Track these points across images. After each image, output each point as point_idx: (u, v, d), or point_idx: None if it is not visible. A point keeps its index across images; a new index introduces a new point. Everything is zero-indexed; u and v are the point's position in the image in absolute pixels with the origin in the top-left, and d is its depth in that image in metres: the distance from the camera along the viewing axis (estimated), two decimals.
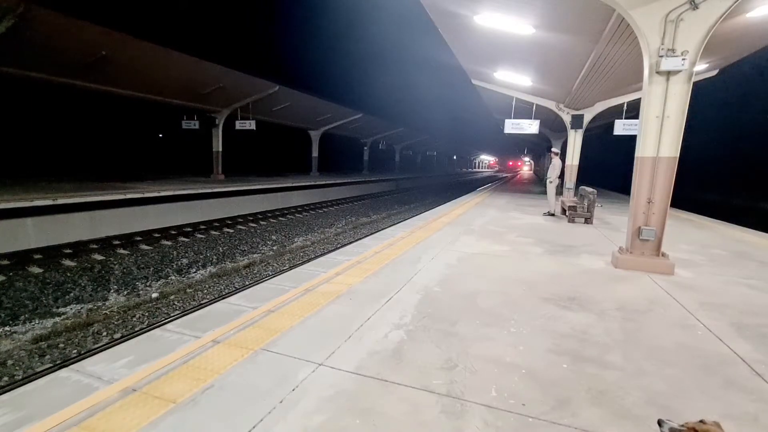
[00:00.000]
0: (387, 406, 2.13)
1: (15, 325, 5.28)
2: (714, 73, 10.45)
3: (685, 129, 4.73)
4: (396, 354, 2.71)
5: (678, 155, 4.79)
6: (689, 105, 4.70)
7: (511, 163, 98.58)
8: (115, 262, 8.10)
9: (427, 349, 2.79)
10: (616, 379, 2.47)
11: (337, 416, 2.04)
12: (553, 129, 20.10)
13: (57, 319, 5.55)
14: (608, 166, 28.66)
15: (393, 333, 3.04)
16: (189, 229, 11.23)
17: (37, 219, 8.61)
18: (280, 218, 14.63)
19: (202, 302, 6.25)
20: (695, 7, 4.35)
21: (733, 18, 5.93)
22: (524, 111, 14.21)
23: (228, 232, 11.69)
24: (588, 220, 9.10)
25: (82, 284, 6.84)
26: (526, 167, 64.29)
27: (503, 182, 31.20)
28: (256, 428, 1.94)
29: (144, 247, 9.41)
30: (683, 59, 4.46)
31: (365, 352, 2.73)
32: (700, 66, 9.35)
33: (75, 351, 4.67)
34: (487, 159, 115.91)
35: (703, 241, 7.46)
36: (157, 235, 10.30)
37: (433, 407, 2.14)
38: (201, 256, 9.00)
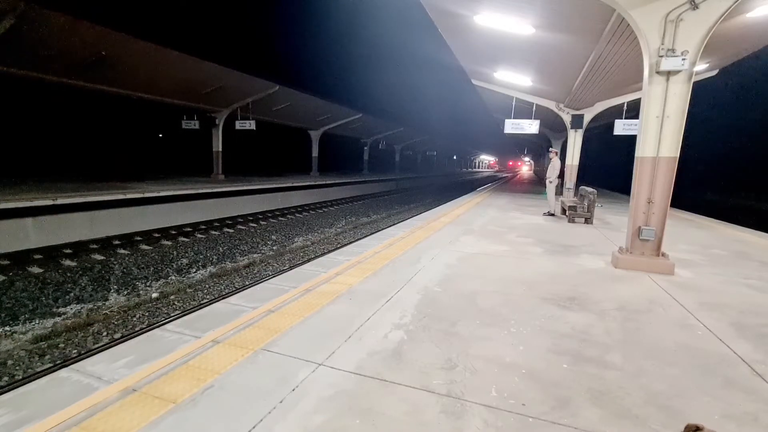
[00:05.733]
0: (387, 406, 2.13)
1: (15, 325, 5.28)
2: (714, 73, 10.45)
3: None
4: (396, 354, 2.71)
5: (678, 155, 4.79)
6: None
7: (511, 163, 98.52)
8: (115, 262, 8.09)
9: (427, 349, 2.79)
10: (616, 379, 2.47)
11: (338, 416, 2.04)
12: (553, 129, 20.11)
13: (57, 319, 5.56)
14: (608, 166, 28.70)
15: (393, 333, 3.04)
16: (189, 229, 11.23)
17: (38, 219, 8.61)
18: (281, 218, 14.64)
19: (202, 302, 6.25)
20: (695, 7, 4.35)
21: (733, 18, 5.93)
22: (524, 111, 14.21)
23: (228, 232, 11.69)
24: (588, 220, 9.10)
25: (83, 284, 6.84)
26: (525, 167, 64.24)
27: (503, 182, 31.20)
28: (257, 428, 1.94)
29: (144, 247, 9.41)
30: (683, 59, 4.46)
31: (365, 352, 2.73)
32: (700, 66, 9.35)
33: (75, 351, 4.67)
34: (487, 159, 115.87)
35: (703, 241, 7.46)
36: (157, 235, 10.30)
37: (433, 407, 2.14)
38: (201, 256, 9.00)
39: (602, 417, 2.10)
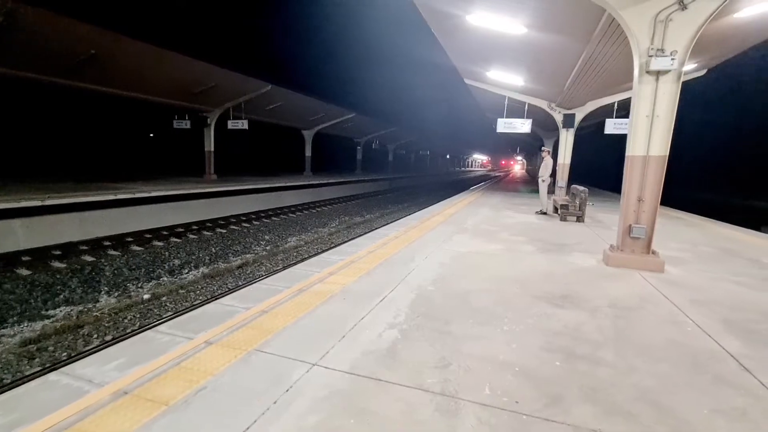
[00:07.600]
0: (381, 406, 2.13)
1: (3, 328, 5.19)
2: (702, 72, 10.59)
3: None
4: (390, 353, 2.72)
5: (668, 154, 4.85)
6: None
7: (503, 162, 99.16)
8: (106, 264, 7.99)
9: (421, 348, 2.80)
10: (607, 376, 2.50)
11: (332, 416, 2.04)
12: (545, 128, 20.23)
13: (46, 321, 5.47)
14: (600, 165, 28.95)
15: (387, 332, 3.04)
16: (181, 230, 11.12)
17: (26, 220, 8.47)
18: (273, 218, 14.56)
19: (194, 303, 6.20)
20: (684, 7, 4.41)
21: (721, 18, 6.01)
22: (517, 110, 14.28)
23: (221, 233, 11.61)
24: (580, 219, 9.18)
25: (72, 286, 6.75)
26: (518, 166, 64.70)
27: (496, 181, 31.35)
28: (250, 429, 1.93)
29: (135, 248, 9.30)
30: (672, 59, 4.52)
31: (359, 351, 2.73)
32: (689, 66, 9.47)
33: (65, 354, 4.60)
34: (480, 158, 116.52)
35: (692, 238, 7.56)
36: (148, 235, 10.18)
37: (427, 406, 2.14)
38: (193, 257, 8.93)
39: (594, 413, 2.12)
